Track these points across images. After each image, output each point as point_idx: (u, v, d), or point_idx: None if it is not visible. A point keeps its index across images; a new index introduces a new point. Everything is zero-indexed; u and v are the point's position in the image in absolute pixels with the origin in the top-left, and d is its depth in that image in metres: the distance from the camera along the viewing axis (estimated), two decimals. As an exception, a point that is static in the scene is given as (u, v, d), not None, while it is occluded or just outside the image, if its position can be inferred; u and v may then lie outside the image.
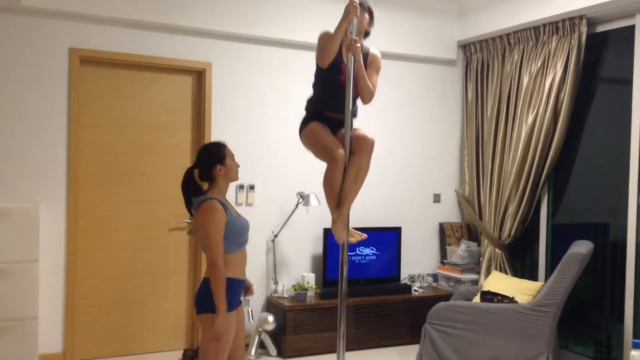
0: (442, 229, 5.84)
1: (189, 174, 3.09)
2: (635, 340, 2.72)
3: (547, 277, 4.96)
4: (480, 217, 5.62)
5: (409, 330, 5.18)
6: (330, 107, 3.17)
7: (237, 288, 3.00)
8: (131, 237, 4.79)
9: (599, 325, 4.86)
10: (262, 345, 4.91)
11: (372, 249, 5.38)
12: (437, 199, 5.91)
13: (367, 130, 3.16)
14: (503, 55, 5.42)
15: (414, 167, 5.78)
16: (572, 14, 4.67)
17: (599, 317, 4.89)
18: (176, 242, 4.95)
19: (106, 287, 4.71)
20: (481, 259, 5.52)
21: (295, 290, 4.96)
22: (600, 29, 4.71)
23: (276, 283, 5.10)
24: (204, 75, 4.93)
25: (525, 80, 5.11)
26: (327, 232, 5.01)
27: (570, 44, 4.73)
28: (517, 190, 5.11)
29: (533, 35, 5.07)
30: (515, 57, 5.25)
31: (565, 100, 4.77)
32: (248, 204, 5.05)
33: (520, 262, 5.46)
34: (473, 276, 5.50)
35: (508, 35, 5.32)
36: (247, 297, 4.11)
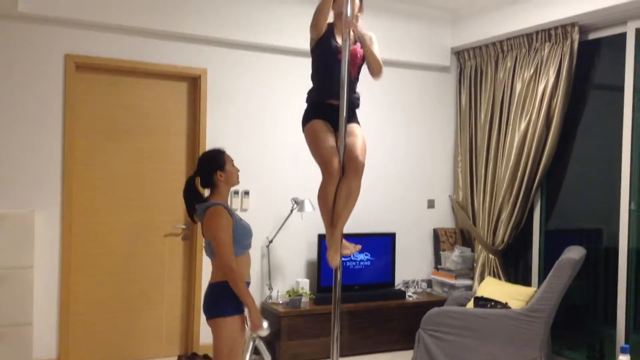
0: (436, 234, 5.87)
1: (190, 182, 3.13)
2: (624, 346, 2.75)
3: (540, 283, 4.99)
4: (474, 223, 5.64)
5: (403, 335, 5.19)
6: (330, 95, 3.11)
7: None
8: (126, 243, 4.80)
9: (592, 330, 4.89)
10: (256, 351, 4.91)
11: (366, 255, 5.40)
12: (431, 204, 5.93)
13: (361, 137, 3.12)
14: (496, 62, 5.46)
15: (408, 172, 5.81)
16: (565, 21, 4.71)
17: (592, 322, 4.92)
18: (171, 247, 4.96)
19: (101, 293, 4.71)
20: (475, 264, 5.55)
21: (289, 296, 4.97)
22: (592, 36, 4.76)
23: (271, 289, 5.11)
24: (199, 81, 4.94)
25: (518, 86, 5.15)
26: (322, 238, 5.02)
27: (562, 51, 4.77)
28: (510, 196, 5.15)
29: (526, 42, 5.11)
30: (508, 63, 5.29)
31: (557, 107, 4.81)
32: (243, 210, 5.07)
33: (513, 268, 5.48)
34: (467, 282, 5.52)
35: (501, 42, 5.36)
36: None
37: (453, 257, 5.59)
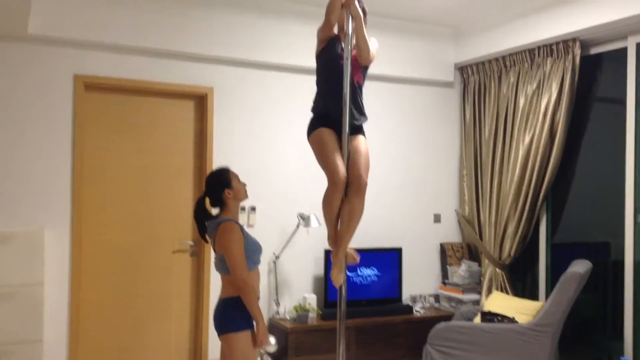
0: (443, 249, 5.88)
1: (200, 203, 3.20)
2: (623, 359, 2.73)
3: (547, 297, 4.98)
4: (481, 237, 5.65)
5: (410, 351, 5.18)
6: (334, 101, 3.07)
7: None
8: (135, 259, 4.84)
9: (600, 344, 4.87)
10: (264, 366, 4.92)
11: (373, 270, 5.41)
12: (437, 219, 5.95)
13: (365, 153, 3.12)
14: (499, 77, 5.51)
15: (414, 187, 5.84)
16: (566, 36, 4.76)
17: (599, 336, 4.91)
18: (179, 264, 5.00)
19: (110, 309, 4.75)
20: (482, 278, 5.55)
21: (296, 311, 4.99)
22: (594, 51, 4.80)
23: (278, 304, 5.12)
24: (205, 99, 5.02)
25: (522, 101, 5.19)
26: (328, 253, 5.04)
27: (564, 66, 4.81)
28: (515, 209, 5.16)
29: (528, 57, 5.16)
30: (512, 78, 5.34)
31: (561, 121, 4.84)
32: (249, 226, 5.10)
33: (521, 282, 5.48)
34: (474, 296, 5.51)
35: (504, 57, 5.41)
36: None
37: (460, 271, 5.59)
